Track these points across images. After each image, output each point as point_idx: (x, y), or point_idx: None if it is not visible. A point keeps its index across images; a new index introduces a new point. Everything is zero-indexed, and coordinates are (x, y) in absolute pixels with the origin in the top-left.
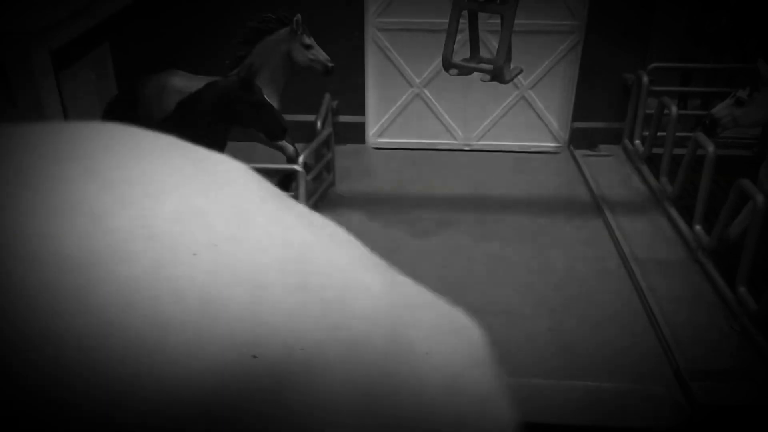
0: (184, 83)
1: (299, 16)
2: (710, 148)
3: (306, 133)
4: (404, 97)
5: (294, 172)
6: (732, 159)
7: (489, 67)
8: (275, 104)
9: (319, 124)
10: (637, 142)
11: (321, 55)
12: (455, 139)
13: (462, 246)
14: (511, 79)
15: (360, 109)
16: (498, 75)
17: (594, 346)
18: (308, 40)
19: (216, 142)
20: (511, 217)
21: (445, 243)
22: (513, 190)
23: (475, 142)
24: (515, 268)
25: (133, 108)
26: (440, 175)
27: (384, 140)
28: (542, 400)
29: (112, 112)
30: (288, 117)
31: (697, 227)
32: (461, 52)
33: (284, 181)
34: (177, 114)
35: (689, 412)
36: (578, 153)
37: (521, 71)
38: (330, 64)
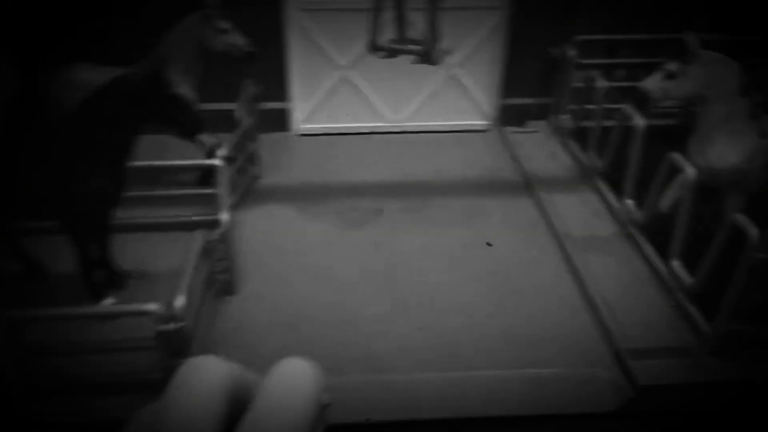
0: (91, 77)
1: None
2: (639, 121)
3: (227, 122)
4: (330, 80)
5: (214, 168)
6: (658, 129)
7: (418, 48)
8: (191, 96)
9: (239, 113)
10: (565, 116)
11: (239, 39)
12: (385, 121)
13: (395, 234)
14: (441, 61)
15: (284, 94)
16: (427, 57)
17: (534, 331)
18: (224, 25)
19: (124, 142)
20: (444, 199)
21: (378, 232)
22: (445, 172)
23: (404, 124)
24: (450, 254)
25: (37, 107)
26: (371, 160)
27: (311, 126)
28: (483, 392)
29: (14, 113)
30: (206, 106)
31: (628, 201)
32: (388, 32)
33: (204, 178)
34: (81, 112)
35: (631, 394)
36: (507, 130)
37: (450, 52)
38: (249, 49)
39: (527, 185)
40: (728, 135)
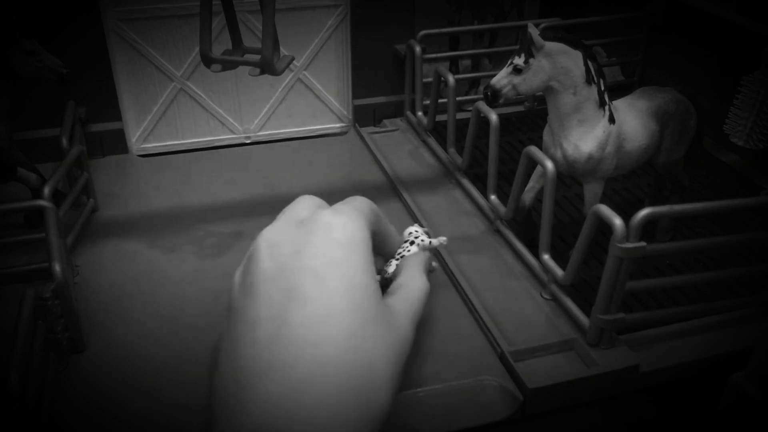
0: None
1: (14, 16)
2: (493, 116)
3: (52, 151)
4: (166, 93)
5: (41, 209)
6: (509, 117)
7: (256, 58)
8: (2, 132)
9: (64, 140)
10: (420, 114)
11: (50, 60)
12: (234, 132)
13: None
14: (284, 70)
15: (115, 113)
16: (268, 67)
17: (416, 344)
18: (30, 45)
19: None
20: None
21: (238, 259)
22: (305, 181)
23: (256, 134)
24: None
25: None
26: (224, 177)
27: (151, 145)
28: None
29: None
30: (25, 135)
31: (492, 197)
32: (223, 41)
33: (31, 220)
34: None
35: (521, 399)
36: (364, 131)
37: (293, 59)
38: (64, 70)
39: (393, 187)
40: (579, 124)
